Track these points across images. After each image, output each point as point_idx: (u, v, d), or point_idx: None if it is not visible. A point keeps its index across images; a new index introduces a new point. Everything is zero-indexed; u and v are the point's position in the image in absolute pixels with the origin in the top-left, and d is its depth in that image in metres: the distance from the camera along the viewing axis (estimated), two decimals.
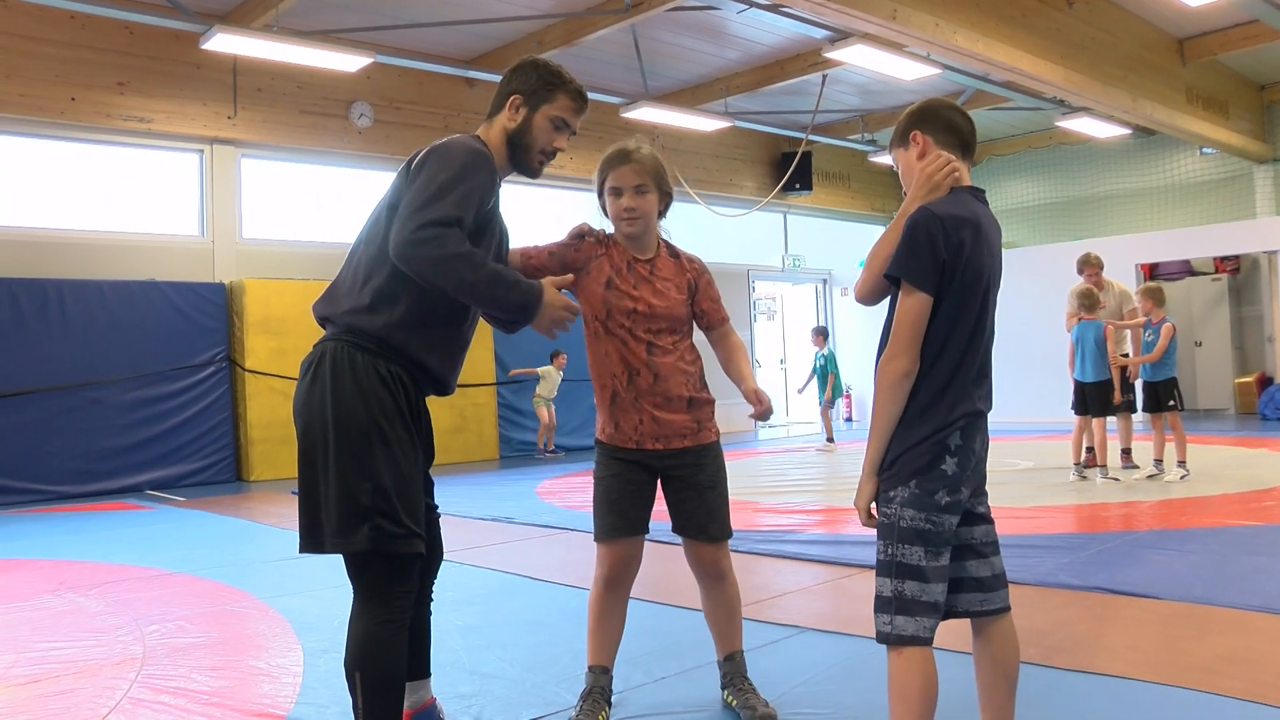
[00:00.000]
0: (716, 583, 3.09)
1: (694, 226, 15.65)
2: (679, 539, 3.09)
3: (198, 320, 10.66)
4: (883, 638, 2.23)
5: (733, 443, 13.76)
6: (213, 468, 10.64)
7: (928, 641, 2.20)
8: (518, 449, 13.27)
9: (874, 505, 2.31)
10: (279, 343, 10.85)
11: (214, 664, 3.76)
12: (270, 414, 10.75)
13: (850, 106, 15.30)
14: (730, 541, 3.12)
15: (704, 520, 3.01)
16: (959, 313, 2.24)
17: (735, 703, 3.05)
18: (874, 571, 2.30)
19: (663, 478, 3.03)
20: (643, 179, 2.92)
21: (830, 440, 12.26)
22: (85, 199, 10.60)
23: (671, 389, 2.95)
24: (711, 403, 3.06)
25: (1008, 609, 2.39)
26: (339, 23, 10.71)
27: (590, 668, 3.03)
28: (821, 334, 12.61)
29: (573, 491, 8.87)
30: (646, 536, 3.07)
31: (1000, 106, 14.39)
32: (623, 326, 2.94)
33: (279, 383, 10.77)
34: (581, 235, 3.03)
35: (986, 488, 2.40)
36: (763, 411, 2.96)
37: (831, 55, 10.83)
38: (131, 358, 10.21)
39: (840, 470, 10.08)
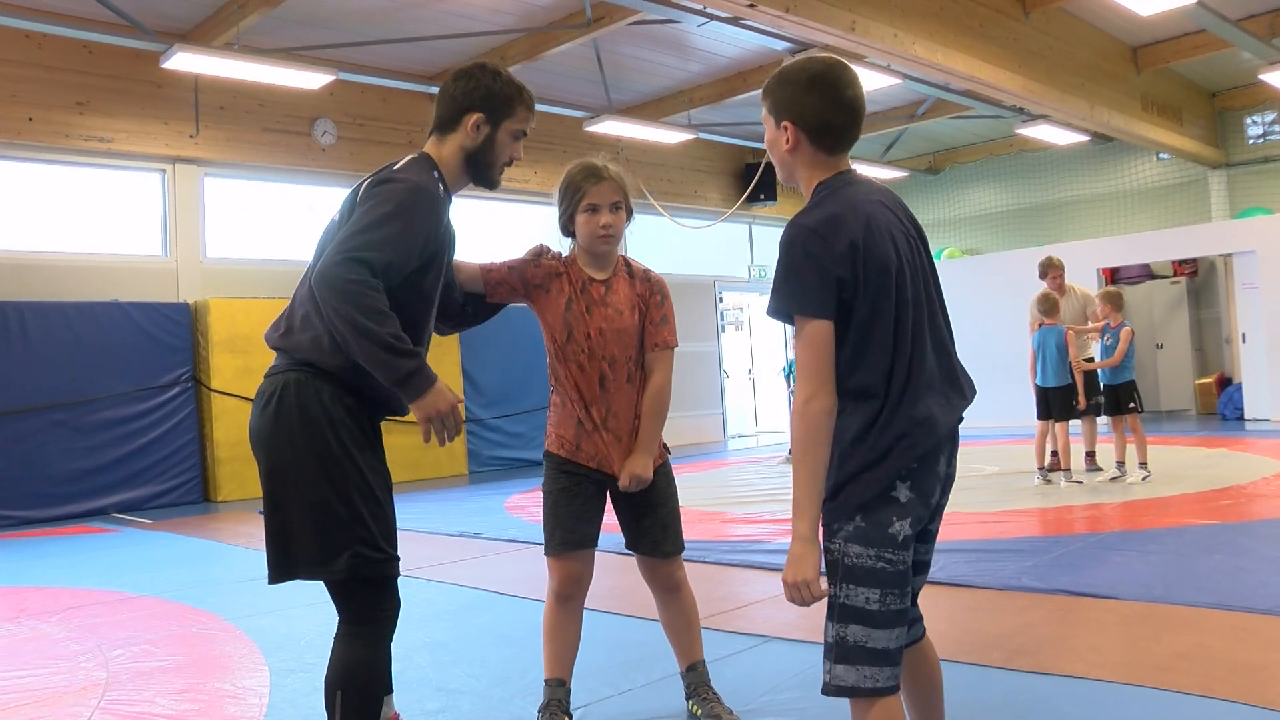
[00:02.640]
0: (673, 596, 3.11)
1: (659, 239, 15.72)
2: None
3: (162, 340, 10.58)
4: (825, 688, 1.97)
5: (702, 454, 13.81)
6: (180, 488, 10.55)
7: (877, 693, 1.92)
8: (486, 464, 13.24)
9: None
10: (244, 362, 10.79)
11: (179, 687, 3.74)
12: (238, 433, 10.67)
13: None
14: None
15: (658, 536, 3.04)
16: (873, 317, 1.96)
17: (700, 712, 3.07)
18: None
19: (612, 494, 3.06)
20: (619, 196, 2.97)
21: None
22: (47, 220, 10.50)
23: (623, 424, 3.00)
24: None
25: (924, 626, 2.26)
26: (301, 40, 10.70)
27: (547, 681, 3.05)
28: None
29: (541, 505, 8.84)
30: (606, 549, 3.09)
31: (961, 115, 14.55)
32: (582, 351, 2.97)
33: (245, 403, 10.70)
34: (540, 254, 3.05)
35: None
36: (626, 487, 2.98)
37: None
38: (96, 379, 10.11)
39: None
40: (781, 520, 7.24)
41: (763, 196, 16.38)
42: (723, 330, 17.47)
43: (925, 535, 2.12)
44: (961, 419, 2.10)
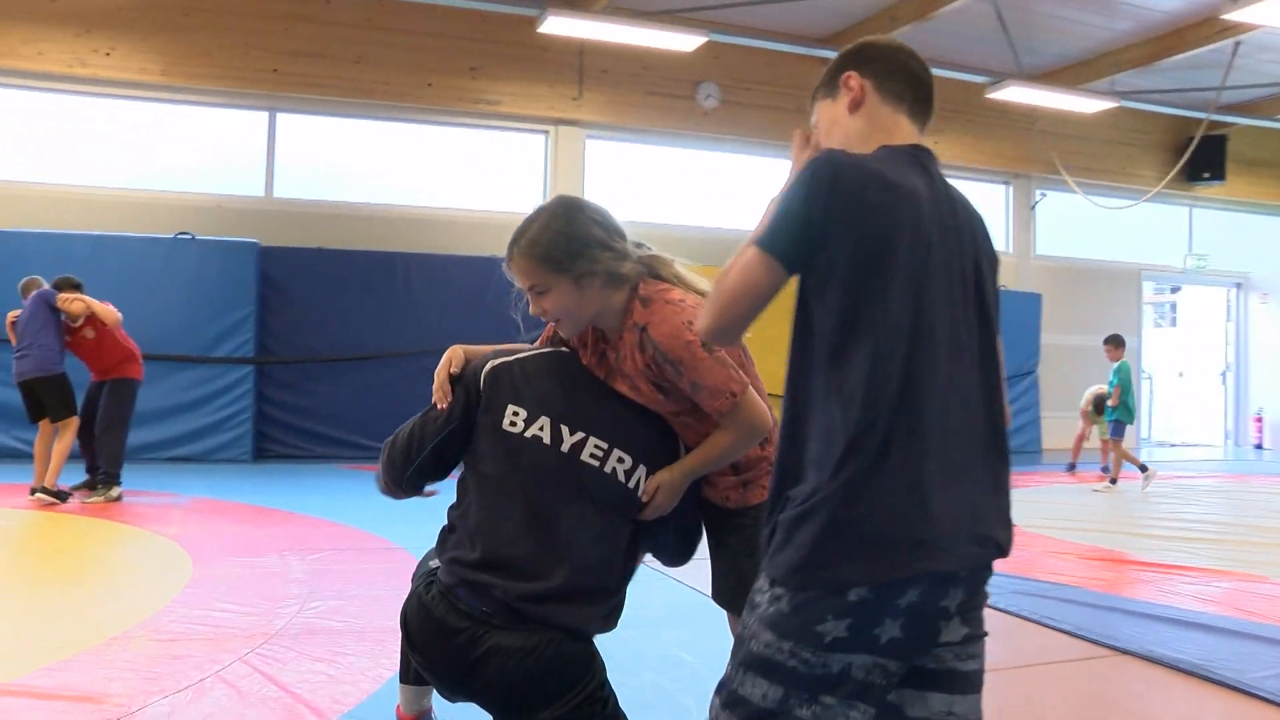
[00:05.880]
0: None
1: (1074, 220, 14.12)
2: None
3: None
4: None
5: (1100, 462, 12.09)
6: None
7: None
8: None
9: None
10: None
11: (321, 654, 3.64)
12: None
13: (1276, 79, 12.96)
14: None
15: (735, 589, 2.37)
16: (866, 302, 1.48)
17: None
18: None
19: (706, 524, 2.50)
20: (533, 279, 2.28)
21: (1113, 481, 9.75)
22: (434, 177, 11.30)
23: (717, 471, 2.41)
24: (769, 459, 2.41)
25: None
26: (680, 2, 10.56)
27: None
28: (1118, 344, 10.07)
29: None
30: None
31: None
32: None
33: None
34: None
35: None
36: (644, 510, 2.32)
37: (1231, 16, 9.13)
38: (469, 330, 10.65)
39: (1144, 510, 8.47)
40: (1095, 558, 5.99)
41: (1207, 175, 14.13)
42: (1143, 326, 15.39)
43: (931, 679, 1.56)
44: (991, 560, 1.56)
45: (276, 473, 9.03)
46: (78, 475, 7.17)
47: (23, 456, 6.98)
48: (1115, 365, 9.90)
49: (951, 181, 1.67)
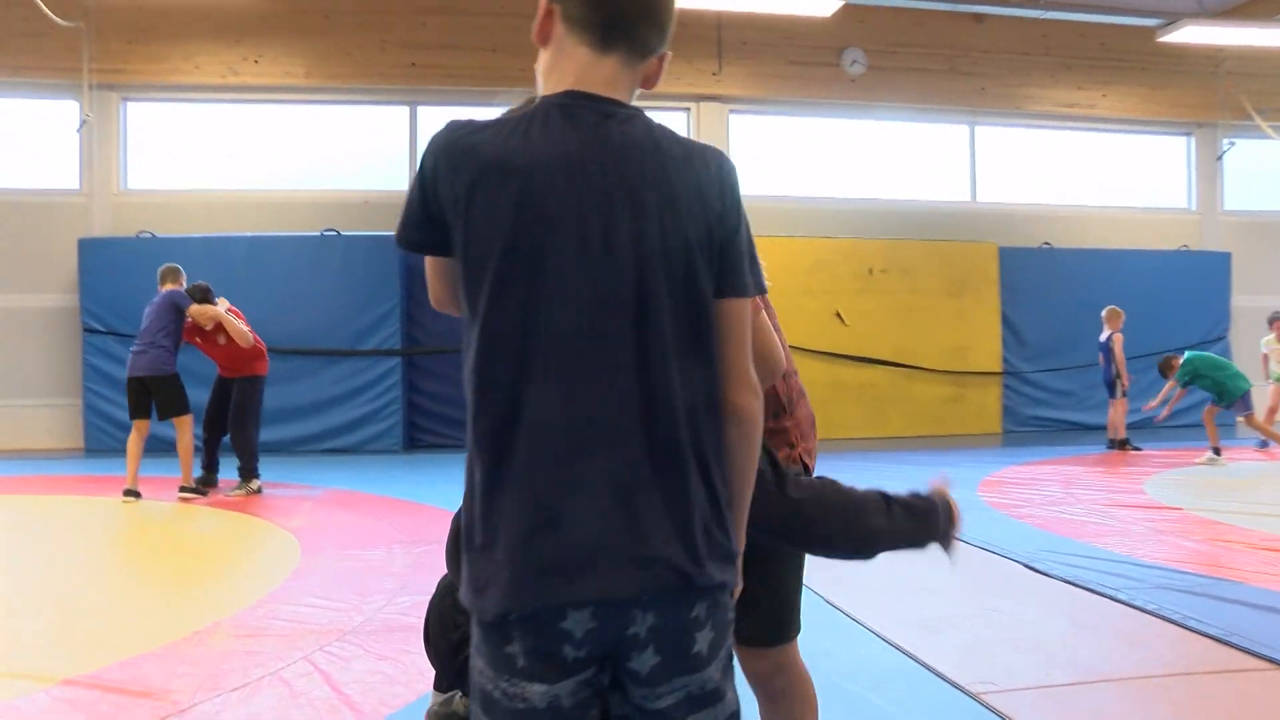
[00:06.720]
0: (769, 702, 2.14)
1: (1274, 168, 12.89)
2: None
3: None
4: None
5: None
6: None
7: None
8: (1024, 423, 11.93)
9: None
10: None
11: (388, 652, 3.55)
12: None
13: None
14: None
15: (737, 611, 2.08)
16: (475, 289, 1.31)
17: None
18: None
19: None
20: None
21: (1216, 452, 8.93)
22: None
23: None
24: (783, 431, 2.11)
25: None
26: None
27: None
28: (1168, 364, 9.46)
29: (1023, 485, 7.58)
30: None
31: None
32: None
33: None
34: None
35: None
36: None
37: None
38: None
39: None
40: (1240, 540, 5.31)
41: None
42: None
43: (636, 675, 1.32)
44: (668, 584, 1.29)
45: (423, 463, 9.16)
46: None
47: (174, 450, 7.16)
48: (1182, 363, 9.25)
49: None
